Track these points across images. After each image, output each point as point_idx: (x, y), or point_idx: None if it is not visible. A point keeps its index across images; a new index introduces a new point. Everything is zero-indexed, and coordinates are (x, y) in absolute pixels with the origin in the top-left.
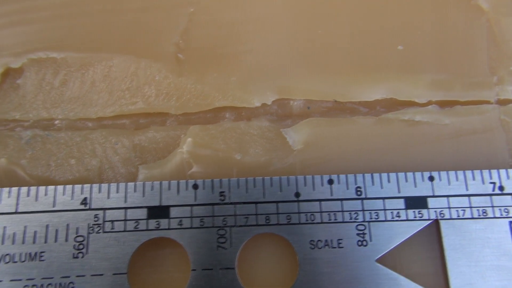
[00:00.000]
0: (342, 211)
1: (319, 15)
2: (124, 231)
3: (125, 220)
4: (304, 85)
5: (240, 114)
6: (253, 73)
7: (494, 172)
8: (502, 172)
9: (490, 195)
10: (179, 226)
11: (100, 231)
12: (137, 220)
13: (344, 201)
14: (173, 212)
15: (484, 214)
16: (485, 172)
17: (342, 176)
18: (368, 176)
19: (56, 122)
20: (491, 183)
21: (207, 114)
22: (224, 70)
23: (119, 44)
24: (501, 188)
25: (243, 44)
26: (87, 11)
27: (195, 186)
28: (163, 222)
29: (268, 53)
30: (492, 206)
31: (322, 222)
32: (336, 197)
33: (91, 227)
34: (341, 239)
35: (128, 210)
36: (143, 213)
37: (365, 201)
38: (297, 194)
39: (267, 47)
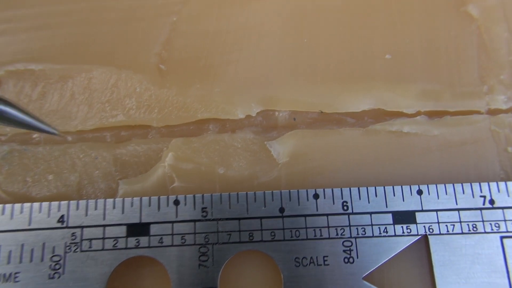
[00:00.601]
0: (328, 226)
1: (305, 24)
2: (102, 249)
3: (104, 238)
4: (290, 96)
5: (224, 126)
6: (237, 84)
7: (484, 185)
8: (493, 185)
9: (481, 209)
10: (159, 244)
11: (78, 250)
12: (116, 238)
13: (330, 216)
14: (154, 229)
15: (474, 229)
16: (475, 185)
17: (328, 190)
18: (354, 190)
19: (35, 136)
20: (481, 196)
21: (190, 126)
22: (207, 81)
23: (99, 55)
24: (491, 201)
25: (227, 54)
26: (66, 22)
27: (176, 202)
28: (143, 240)
29: (252, 64)
30: (483, 221)
31: (307, 239)
32: (322, 212)
33: (68, 246)
34: (327, 256)
35: (107, 228)
36: (122, 231)
37: (351, 216)
38: (282, 210)
39: (252, 57)
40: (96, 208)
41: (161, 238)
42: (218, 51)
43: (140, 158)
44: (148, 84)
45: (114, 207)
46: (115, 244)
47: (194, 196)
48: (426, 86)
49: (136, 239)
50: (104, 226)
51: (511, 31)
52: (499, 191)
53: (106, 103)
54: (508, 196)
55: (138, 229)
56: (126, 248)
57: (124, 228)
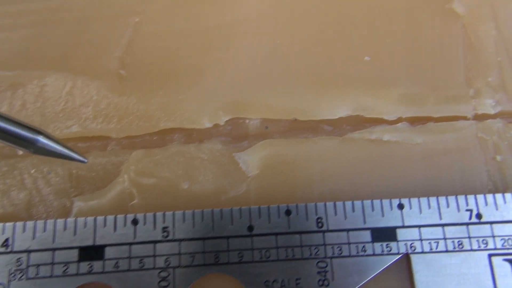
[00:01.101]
0: (301, 246)
1: (277, 25)
2: (51, 276)
3: (53, 263)
4: (261, 102)
5: (190, 136)
6: (203, 90)
7: (470, 198)
8: (480, 197)
9: (467, 224)
10: (115, 269)
11: (23, 277)
12: (66, 264)
13: (303, 235)
14: (109, 252)
15: (460, 246)
16: (461, 198)
17: (301, 206)
18: (330, 205)
19: None
20: (467, 210)
21: (154, 137)
22: (171, 88)
23: (52, 60)
24: (478, 216)
25: (193, 58)
26: (17, 24)
27: (135, 221)
28: (97, 265)
29: (221, 68)
30: (469, 237)
31: (278, 260)
32: (294, 230)
33: (13, 273)
34: (299, 279)
35: (57, 252)
36: (73, 255)
37: (326, 234)
38: (250, 228)
39: (220, 61)
40: (45, 230)
41: (117, 262)
42: (184, 54)
43: (98, 172)
44: (106, 92)
45: (65, 228)
46: (66, 270)
47: (154, 215)
48: (408, 90)
49: (89, 264)
50: (54, 250)
51: (499, 29)
52: (486, 204)
53: (60, 112)
54: (497, 209)
55: (91, 253)
56: (77, 274)
57: (76, 251)
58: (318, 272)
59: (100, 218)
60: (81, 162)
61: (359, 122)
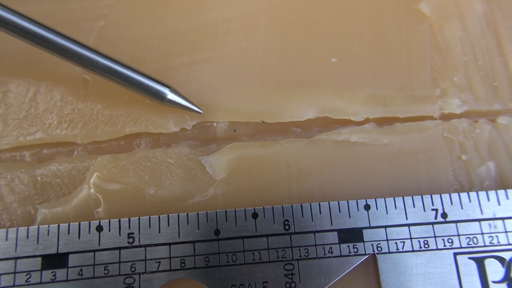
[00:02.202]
0: (268, 249)
1: (243, 26)
2: (13, 286)
3: (15, 273)
4: (228, 105)
5: (158, 140)
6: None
7: (436, 197)
8: (445, 197)
9: (432, 223)
10: (79, 277)
11: None
12: (29, 272)
13: (270, 237)
14: (72, 260)
15: (426, 245)
16: (426, 198)
17: (268, 209)
18: (297, 207)
19: None
20: (433, 210)
21: (120, 142)
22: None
23: (15, 65)
24: (444, 215)
25: (158, 62)
26: None
27: (99, 228)
28: (60, 273)
29: (186, 71)
30: (435, 236)
31: (245, 263)
32: (261, 233)
33: None
34: (266, 282)
35: (19, 261)
36: (36, 264)
37: (293, 236)
38: (217, 232)
39: (186, 64)
40: (6, 239)
41: (81, 270)
42: (149, 58)
43: (63, 179)
44: (70, 97)
45: (27, 237)
46: (28, 279)
47: (119, 221)
48: (375, 91)
49: (52, 272)
50: (16, 258)
51: (465, 30)
52: (452, 203)
53: (23, 119)
54: (462, 208)
55: (54, 261)
56: (40, 283)
57: (38, 260)
58: (285, 275)
59: (63, 226)
60: (199, 113)
61: (327, 124)
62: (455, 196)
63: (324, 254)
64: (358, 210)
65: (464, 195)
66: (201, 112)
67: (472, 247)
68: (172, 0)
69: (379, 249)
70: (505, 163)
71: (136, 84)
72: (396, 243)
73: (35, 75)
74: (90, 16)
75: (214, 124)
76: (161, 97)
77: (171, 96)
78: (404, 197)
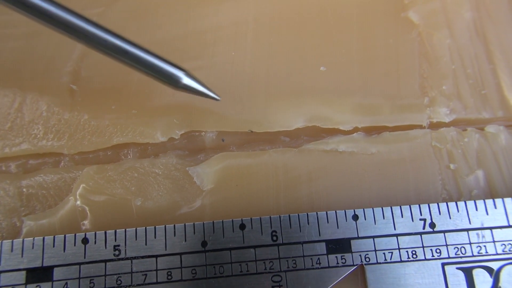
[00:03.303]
0: (256, 260)
1: (231, 35)
2: None
3: None
4: (216, 115)
5: (145, 150)
6: (156, 104)
7: (424, 207)
8: (433, 206)
9: (420, 233)
10: None
11: None
12: (13, 286)
13: (257, 249)
14: (57, 273)
15: (414, 256)
16: (415, 208)
17: (256, 219)
18: (285, 218)
19: None
20: (421, 220)
21: (108, 152)
22: (123, 102)
23: (0, 76)
24: (432, 225)
25: None
26: None
27: (85, 241)
28: (45, 287)
29: None
30: (423, 247)
31: (232, 275)
32: (249, 244)
33: None
34: None
35: (2, 275)
36: (20, 277)
37: (281, 247)
38: (204, 243)
39: None
40: None
41: (66, 284)
42: None
43: (49, 190)
44: (56, 107)
45: (12, 250)
46: None
47: (105, 233)
48: (364, 100)
49: (37, 286)
50: (0, 272)
51: (453, 38)
52: (440, 213)
53: (8, 129)
54: (450, 218)
55: (39, 274)
56: None
57: (23, 273)
58: (273, 287)
59: (48, 238)
60: (216, 100)
61: (316, 133)
62: (443, 205)
63: (312, 265)
64: (346, 221)
65: (452, 204)
66: (219, 99)
67: (460, 257)
68: (161, 9)
69: (367, 259)
70: (494, 172)
71: (148, 66)
72: (384, 253)
73: (21, 85)
74: None
75: (203, 133)
76: (175, 81)
77: (186, 80)
78: (392, 207)
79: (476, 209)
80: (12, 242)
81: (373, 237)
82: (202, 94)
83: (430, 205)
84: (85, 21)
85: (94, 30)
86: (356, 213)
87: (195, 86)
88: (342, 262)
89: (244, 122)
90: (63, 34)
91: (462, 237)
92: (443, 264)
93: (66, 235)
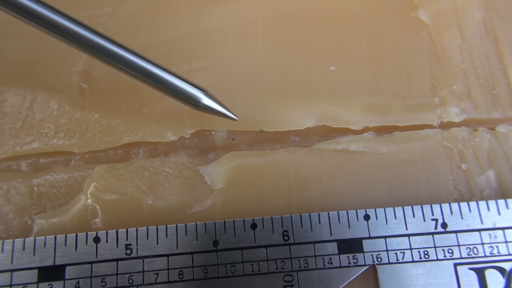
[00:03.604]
0: (267, 259)
1: (241, 34)
2: None
3: (11, 285)
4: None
5: (156, 149)
6: (167, 103)
7: (436, 207)
8: (445, 207)
9: (432, 234)
10: None
11: None
12: (25, 285)
13: (269, 248)
14: (69, 272)
15: (426, 256)
16: (426, 208)
17: (267, 219)
18: (296, 217)
19: None
20: (433, 220)
21: (118, 151)
22: (134, 101)
23: (11, 75)
24: (444, 225)
25: None
26: None
27: (97, 240)
28: (57, 285)
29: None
30: (435, 247)
31: (244, 274)
32: (260, 244)
33: None
34: None
35: (15, 273)
36: (32, 276)
37: (292, 247)
38: (216, 243)
39: (184, 73)
40: (2, 251)
41: (78, 282)
42: None
43: (59, 189)
44: (67, 106)
45: (24, 249)
46: None
47: (117, 232)
48: (374, 100)
49: (49, 285)
50: (12, 271)
51: (464, 37)
52: (452, 213)
53: (19, 128)
54: (462, 218)
55: (51, 273)
56: None
57: (35, 272)
58: (285, 286)
59: (60, 237)
60: (233, 120)
61: (326, 132)
62: (455, 205)
63: (324, 265)
64: (357, 220)
65: (464, 204)
66: (236, 119)
67: (472, 257)
68: (170, 9)
69: (379, 259)
70: (505, 172)
71: (170, 88)
72: (396, 253)
73: (32, 84)
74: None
75: (213, 132)
76: (195, 102)
77: (206, 101)
78: (404, 207)
79: (488, 209)
80: (24, 240)
81: (385, 237)
82: (220, 114)
83: (442, 205)
84: (112, 43)
85: (121, 53)
86: (367, 213)
87: (214, 107)
88: (353, 262)
89: (254, 121)
90: (90, 55)
91: (474, 238)
92: (455, 265)
93: (78, 234)
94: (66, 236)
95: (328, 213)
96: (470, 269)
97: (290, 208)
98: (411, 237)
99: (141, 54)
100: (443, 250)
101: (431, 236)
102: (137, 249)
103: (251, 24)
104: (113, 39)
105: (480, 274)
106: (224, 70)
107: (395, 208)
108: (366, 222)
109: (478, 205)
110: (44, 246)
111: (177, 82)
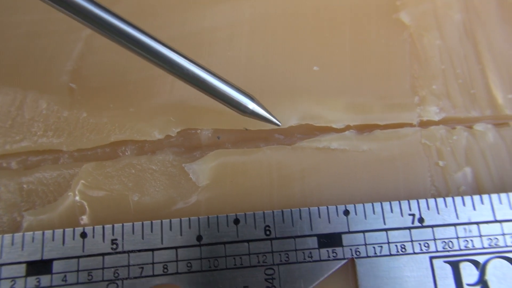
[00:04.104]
0: (249, 254)
1: (227, 35)
2: None
3: None
4: (211, 113)
5: (143, 147)
6: (153, 102)
7: (413, 203)
8: (422, 202)
9: (409, 228)
10: (63, 283)
11: None
12: (13, 279)
13: (251, 243)
14: (57, 266)
15: (403, 250)
16: (404, 203)
17: (250, 215)
18: (278, 213)
19: None
20: (410, 215)
21: (106, 149)
22: (121, 100)
23: (1, 75)
24: (420, 220)
25: (144, 70)
26: None
27: (83, 235)
28: (44, 279)
29: (170, 79)
30: (412, 241)
31: (226, 268)
32: (243, 239)
33: None
34: (247, 286)
35: (3, 268)
36: (21, 270)
37: (274, 241)
38: (199, 238)
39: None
40: None
41: (65, 276)
42: (134, 67)
43: (48, 186)
44: (56, 105)
45: (12, 243)
46: (13, 285)
47: (103, 227)
48: (356, 99)
49: (37, 279)
50: (1, 265)
51: (443, 39)
52: (428, 208)
53: (9, 127)
54: (438, 213)
55: (39, 267)
56: None
57: (23, 266)
58: (266, 279)
59: (48, 232)
60: (278, 125)
61: (309, 131)
62: (431, 201)
63: (304, 258)
64: (337, 216)
65: (440, 200)
66: (280, 125)
67: (448, 251)
68: (158, 11)
69: (358, 253)
70: (481, 169)
71: (220, 95)
72: (374, 247)
73: (22, 84)
74: (76, 26)
75: (199, 131)
76: (244, 107)
77: (252, 106)
78: (382, 203)
79: (464, 205)
80: (13, 236)
81: (364, 231)
82: (266, 120)
83: (419, 200)
84: (169, 49)
85: (177, 60)
86: (347, 208)
87: (260, 113)
88: (333, 256)
89: (239, 120)
90: (148, 61)
91: (449, 232)
92: (431, 258)
93: (65, 229)
94: (54, 231)
95: (309, 208)
96: (445, 262)
97: (272, 204)
98: (389, 232)
99: (195, 60)
100: (420, 244)
101: (408, 230)
102: (123, 244)
103: (237, 25)
104: (171, 46)
105: (455, 267)
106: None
107: (374, 203)
108: (345, 217)
109: (454, 201)
110: (32, 241)
111: (228, 89)
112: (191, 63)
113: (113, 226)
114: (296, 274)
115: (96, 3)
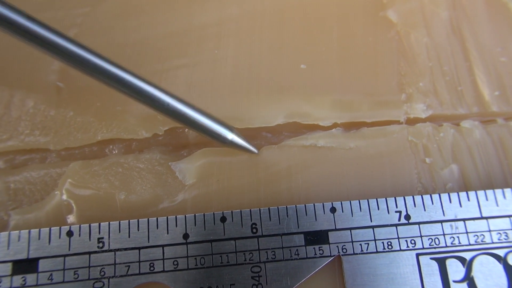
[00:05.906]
0: (236, 251)
1: (213, 35)
2: None
3: None
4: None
5: (130, 146)
6: None
7: (400, 200)
8: (408, 199)
9: (396, 225)
10: (49, 282)
11: None
12: None
13: (237, 241)
14: (43, 265)
15: (389, 247)
16: (390, 201)
17: (236, 212)
18: (264, 211)
19: None
20: (396, 212)
21: (93, 148)
22: (108, 99)
23: None
24: (407, 217)
25: (130, 69)
26: None
27: (70, 233)
28: (30, 278)
29: (157, 78)
30: (398, 238)
31: (213, 266)
32: (229, 237)
33: None
34: (233, 284)
35: None
36: (6, 269)
37: (261, 239)
38: (186, 236)
39: (157, 72)
40: None
41: (51, 275)
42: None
43: (35, 185)
44: (43, 104)
45: None
46: None
47: (89, 226)
48: (343, 96)
49: (23, 277)
50: None
51: (430, 36)
52: (415, 205)
53: None
54: (425, 210)
55: (25, 266)
56: None
57: (9, 265)
58: (252, 277)
59: (34, 231)
60: (255, 153)
61: (297, 129)
62: (418, 198)
63: (291, 256)
64: (324, 213)
65: (426, 197)
66: (257, 152)
67: (434, 247)
68: (145, 9)
69: (344, 250)
70: (468, 166)
71: (201, 128)
72: (360, 244)
73: (9, 83)
74: (64, 25)
75: (186, 130)
76: (224, 138)
77: (231, 136)
78: (369, 200)
79: (450, 202)
80: None
81: (350, 228)
82: (244, 149)
83: (406, 197)
84: (149, 85)
85: (160, 96)
86: (333, 205)
87: (239, 142)
88: (319, 253)
89: (226, 118)
90: (133, 98)
91: (436, 229)
92: (417, 255)
93: (51, 228)
94: (40, 230)
95: (296, 206)
96: (431, 258)
97: (259, 202)
98: (375, 229)
99: (176, 96)
100: (406, 241)
101: (394, 227)
102: (109, 242)
103: (224, 24)
104: (151, 82)
105: (441, 263)
106: (197, 69)
107: (360, 200)
108: (332, 214)
109: (440, 198)
110: (18, 240)
111: (208, 122)
112: (173, 99)
113: (99, 225)
114: (283, 272)
115: (64, 36)
